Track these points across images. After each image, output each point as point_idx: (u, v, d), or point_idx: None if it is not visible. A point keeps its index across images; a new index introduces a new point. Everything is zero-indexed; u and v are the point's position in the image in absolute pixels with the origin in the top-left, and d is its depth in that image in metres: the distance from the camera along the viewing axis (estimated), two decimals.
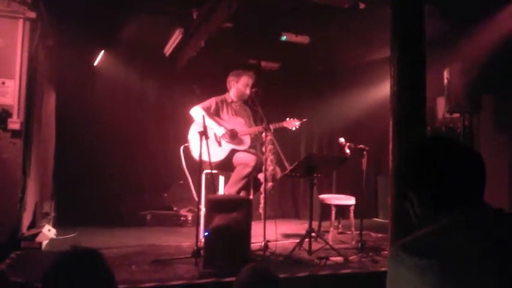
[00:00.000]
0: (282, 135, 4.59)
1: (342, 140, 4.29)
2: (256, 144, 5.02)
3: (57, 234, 4.57)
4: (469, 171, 1.13)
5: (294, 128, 4.43)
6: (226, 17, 4.66)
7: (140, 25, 5.20)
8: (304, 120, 4.46)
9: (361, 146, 4.24)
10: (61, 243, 4.31)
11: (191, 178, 4.13)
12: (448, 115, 5.15)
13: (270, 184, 3.92)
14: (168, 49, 5.80)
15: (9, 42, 4.03)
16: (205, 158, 3.78)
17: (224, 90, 4.63)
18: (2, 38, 4.02)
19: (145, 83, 6.33)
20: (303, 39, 5.56)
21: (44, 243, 4.15)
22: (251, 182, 4.23)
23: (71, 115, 5.63)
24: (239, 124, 4.47)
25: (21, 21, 4.04)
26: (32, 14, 4.07)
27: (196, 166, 3.91)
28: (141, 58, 6.15)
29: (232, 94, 4.59)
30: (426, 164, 1.15)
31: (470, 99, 4.79)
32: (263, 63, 6.57)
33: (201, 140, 3.76)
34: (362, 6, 4.39)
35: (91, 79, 5.99)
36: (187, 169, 4.12)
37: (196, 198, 3.91)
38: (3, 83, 4.03)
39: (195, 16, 4.90)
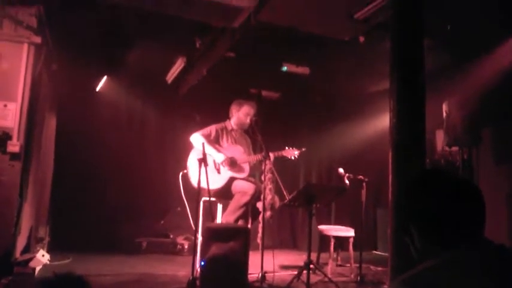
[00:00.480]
0: (281, 164, 4.59)
1: (341, 170, 4.30)
2: (256, 172, 5.04)
3: (51, 260, 4.51)
4: (469, 206, 1.13)
5: (293, 157, 4.44)
6: (228, 47, 4.73)
7: (143, 52, 5.26)
8: (304, 149, 4.48)
9: (360, 176, 4.24)
10: (55, 269, 4.25)
11: (189, 205, 4.12)
12: (447, 148, 5.15)
13: (268, 213, 3.90)
14: (170, 76, 5.86)
15: (14, 65, 4.07)
16: (203, 185, 3.75)
17: (224, 117, 4.68)
18: (6, 61, 4.06)
19: (146, 109, 6.39)
20: (304, 70, 5.63)
21: (38, 269, 4.09)
22: (249, 210, 4.22)
23: (71, 139, 5.65)
24: (238, 152, 4.48)
25: (26, 46, 4.08)
26: (38, 39, 4.12)
27: (195, 193, 3.89)
28: (143, 84, 6.19)
29: (232, 122, 4.63)
30: (427, 199, 1.16)
31: (469, 133, 4.79)
32: (264, 93, 6.63)
33: (200, 167, 3.73)
34: (362, 39, 4.45)
35: (92, 104, 6.03)
36: (185, 196, 4.10)
37: (194, 226, 3.84)
38: (5, 105, 4.02)
39: (198, 45, 4.97)
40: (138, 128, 6.37)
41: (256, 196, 4.13)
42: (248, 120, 4.45)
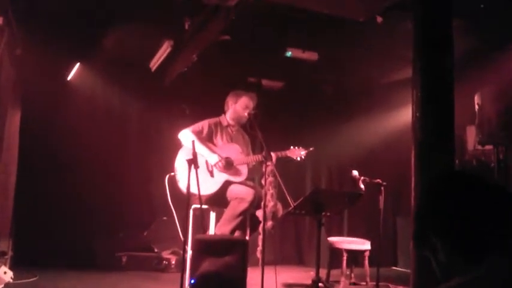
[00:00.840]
0: (285, 166, 4.60)
1: (355, 173, 4.29)
2: (255, 176, 5.02)
3: (15, 278, 4.46)
4: (503, 214, 1.14)
5: (299, 158, 4.44)
6: (222, 28, 4.71)
7: (123, 35, 5.24)
8: (311, 149, 4.48)
9: (377, 180, 4.23)
10: None
11: (177, 214, 4.13)
12: (479, 147, 5.13)
13: (270, 223, 3.90)
14: (155, 63, 5.85)
15: None
16: (194, 190, 3.75)
17: (218, 112, 4.68)
18: None
19: (126, 102, 6.34)
20: (311, 55, 5.62)
21: None
22: (248, 220, 4.22)
23: (38, 137, 5.63)
24: (235, 152, 4.48)
25: None
26: None
27: (184, 200, 3.88)
28: (122, 73, 6.16)
29: (228, 117, 4.64)
30: (454, 205, 1.16)
31: (506, 129, 4.77)
32: (264, 82, 6.61)
33: (189, 169, 3.73)
34: (379, 20, 4.43)
35: (63, 95, 6.01)
36: (173, 203, 4.11)
37: (182, 238, 3.83)
38: None
39: (187, 26, 4.96)
40: (117, 124, 6.32)
41: (256, 203, 4.11)
42: (246, 114, 4.43)
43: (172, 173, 4.24)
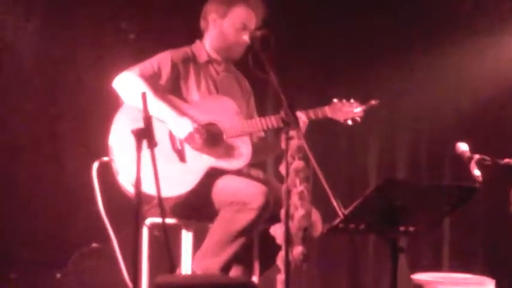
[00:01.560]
0: (325, 138, 4.69)
1: (463, 147, 3.82)
2: (266, 157, 4.85)
3: None
4: None
5: (350, 121, 4.08)
6: None
7: None
8: (374, 103, 4.06)
9: (507, 161, 3.80)
10: None
11: (117, 236, 3.74)
12: None
13: (299, 249, 3.40)
14: None
15: None
16: (149, 189, 3.27)
17: (190, 36, 4.29)
18: None
19: (18, 21, 5.76)
20: None
21: None
22: (255, 244, 3.92)
23: None
24: (225, 111, 4.08)
25: None
26: None
27: (129, 208, 3.33)
28: None
29: (209, 45, 4.23)
30: None
31: None
32: None
33: (138, 147, 3.22)
34: None
35: None
36: (108, 215, 3.72)
37: (130, 285, 3.47)
38: None
39: None
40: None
41: (270, 211, 3.66)
42: (246, 39, 3.95)
43: (104, 158, 3.83)
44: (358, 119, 4.05)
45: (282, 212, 3.31)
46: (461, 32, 6.12)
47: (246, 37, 3.92)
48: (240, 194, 3.67)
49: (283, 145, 3.36)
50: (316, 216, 3.66)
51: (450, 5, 6.22)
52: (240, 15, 4.11)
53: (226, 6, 4.14)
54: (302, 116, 3.85)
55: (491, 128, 5.71)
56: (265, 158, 4.94)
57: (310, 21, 6.13)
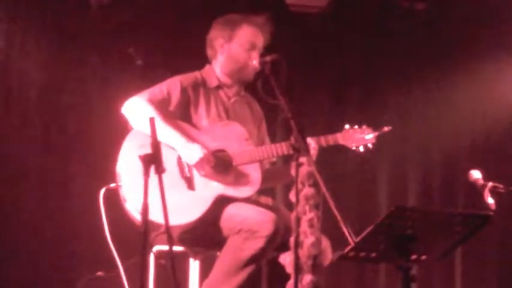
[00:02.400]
0: (335, 165, 4.76)
1: (476, 175, 3.85)
2: (276, 183, 4.89)
3: None
4: None
5: (362, 148, 4.08)
6: None
7: None
8: (387, 129, 4.07)
9: None
10: None
11: (123, 265, 3.71)
12: None
13: (308, 278, 3.46)
14: None
15: None
16: (156, 216, 3.28)
17: (199, 62, 4.26)
18: None
19: (20, 42, 5.83)
20: None
21: None
22: (264, 272, 3.91)
23: None
24: (235, 138, 4.08)
25: None
26: None
27: (136, 236, 3.35)
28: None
29: (219, 70, 4.20)
30: None
31: None
32: None
33: (146, 174, 3.21)
34: None
35: None
36: (115, 243, 3.71)
37: None
38: None
39: None
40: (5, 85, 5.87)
41: (280, 240, 3.70)
42: (255, 61, 3.97)
43: (112, 184, 3.82)
44: (370, 145, 4.07)
45: (292, 240, 3.32)
46: (475, 58, 6.11)
47: (255, 62, 3.95)
48: (248, 222, 3.68)
49: (293, 172, 3.41)
50: (326, 243, 3.70)
51: (465, 30, 6.22)
52: (246, 35, 4.12)
53: (231, 29, 4.15)
54: (313, 143, 3.85)
55: (504, 155, 5.71)
56: (275, 185, 4.96)
57: (321, 47, 6.13)
